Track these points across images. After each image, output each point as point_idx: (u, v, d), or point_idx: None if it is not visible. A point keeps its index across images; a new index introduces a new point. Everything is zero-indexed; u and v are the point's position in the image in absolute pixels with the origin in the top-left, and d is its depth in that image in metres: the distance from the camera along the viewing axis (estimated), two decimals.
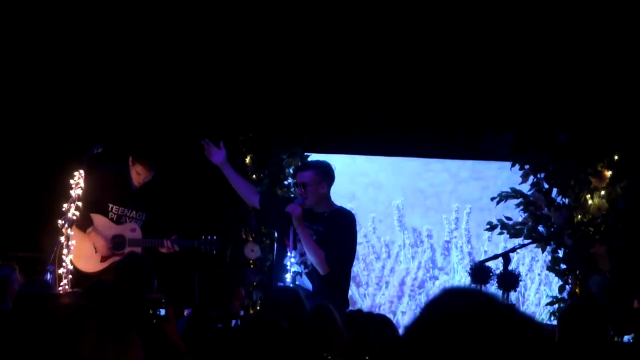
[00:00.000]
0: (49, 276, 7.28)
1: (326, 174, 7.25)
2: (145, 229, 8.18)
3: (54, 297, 5.79)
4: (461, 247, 9.99)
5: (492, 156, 9.60)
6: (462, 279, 9.92)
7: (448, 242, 10.01)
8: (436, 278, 9.97)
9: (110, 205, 8.17)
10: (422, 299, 9.89)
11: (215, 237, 8.12)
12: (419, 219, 10.06)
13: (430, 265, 9.97)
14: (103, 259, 8.09)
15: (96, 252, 8.10)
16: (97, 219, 8.09)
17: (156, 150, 8.37)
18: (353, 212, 7.46)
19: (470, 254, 9.97)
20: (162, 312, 4.97)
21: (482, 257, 9.67)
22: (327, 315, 5.30)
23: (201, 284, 6.50)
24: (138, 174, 8.16)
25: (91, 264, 8.07)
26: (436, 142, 9.85)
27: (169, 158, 9.28)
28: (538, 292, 9.80)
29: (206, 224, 8.62)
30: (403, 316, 9.76)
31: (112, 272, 6.82)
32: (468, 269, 9.72)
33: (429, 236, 10.01)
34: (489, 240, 9.89)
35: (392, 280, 9.93)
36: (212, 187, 9.22)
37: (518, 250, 9.40)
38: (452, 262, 10.00)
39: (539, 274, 9.80)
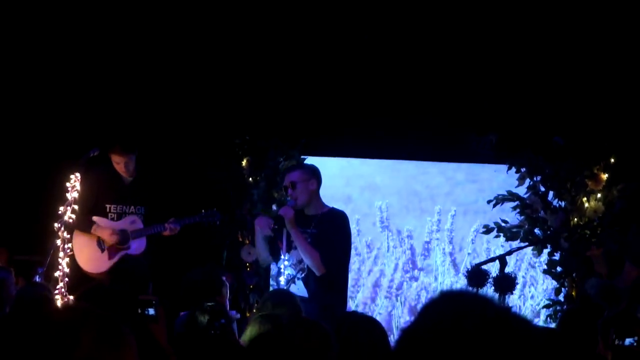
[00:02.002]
0: (37, 278, 7.29)
1: (313, 171, 7.25)
2: (149, 223, 8.18)
3: (50, 300, 5.79)
4: (443, 248, 10.00)
5: (486, 158, 9.63)
6: (444, 279, 9.95)
7: (428, 242, 10.01)
8: (416, 279, 9.98)
9: (108, 206, 8.21)
10: (400, 300, 9.92)
11: (215, 209, 8.07)
12: (413, 221, 10.05)
13: (410, 266, 9.98)
14: (110, 256, 8.10)
15: (102, 251, 8.11)
16: (99, 220, 8.12)
17: (126, 134, 8.39)
18: (348, 213, 7.44)
19: (451, 254, 9.98)
20: (151, 311, 4.96)
21: (464, 259, 9.76)
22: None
23: (185, 283, 6.49)
24: (117, 164, 8.18)
25: (99, 264, 8.10)
26: (432, 145, 9.84)
27: (163, 158, 9.29)
28: (523, 293, 9.81)
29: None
30: (379, 317, 9.76)
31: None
32: (449, 269, 9.83)
33: (409, 237, 10.00)
34: (472, 243, 9.92)
35: (366, 282, 9.94)
36: (209, 191, 9.23)
37: (500, 252, 9.51)
38: (436, 263, 10.00)
39: (523, 276, 9.80)
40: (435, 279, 9.99)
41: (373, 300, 9.90)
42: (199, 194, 9.10)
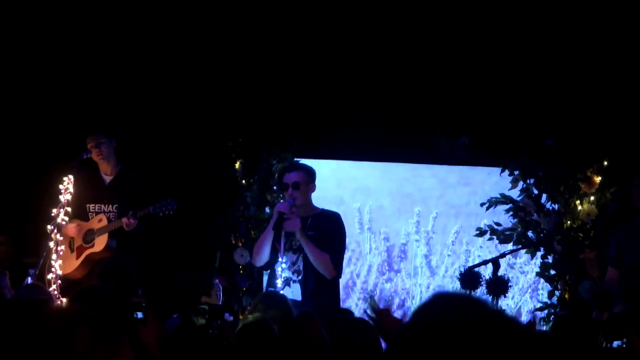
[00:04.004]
0: (29, 280, 7.27)
1: (313, 175, 7.28)
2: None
3: (47, 302, 5.78)
4: (422, 250, 10.01)
5: (480, 161, 9.65)
6: (423, 280, 9.96)
7: (405, 244, 10.01)
8: (390, 280, 9.99)
9: (88, 206, 8.20)
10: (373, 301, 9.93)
11: (170, 199, 7.97)
12: (404, 224, 10.06)
13: (387, 268, 9.98)
14: (78, 255, 8.09)
15: (72, 251, 8.09)
16: (70, 222, 8.09)
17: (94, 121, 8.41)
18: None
19: (426, 256, 9.98)
20: (139, 315, 4.98)
21: (444, 260, 9.79)
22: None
23: (175, 285, 6.50)
24: (92, 148, 8.13)
25: (69, 265, 8.07)
26: (424, 148, 9.86)
27: (160, 167, 9.28)
28: None
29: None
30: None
31: (96, 278, 6.81)
32: (424, 270, 9.85)
33: (386, 239, 10.00)
34: (453, 244, 9.94)
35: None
36: (202, 193, 9.21)
37: (479, 254, 9.55)
38: (413, 265, 10.01)
39: None
40: (416, 281, 10.02)
41: (344, 301, 9.90)
42: (191, 196, 9.09)
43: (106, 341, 2.07)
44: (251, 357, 4.87)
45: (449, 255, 9.94)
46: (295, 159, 9.32)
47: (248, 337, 4.91)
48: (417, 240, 10.01)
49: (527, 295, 9.85)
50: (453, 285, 9.77)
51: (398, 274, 10.00)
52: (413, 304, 9.91)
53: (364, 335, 4.81)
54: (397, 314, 9.82)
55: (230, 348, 5.11)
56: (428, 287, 9.92)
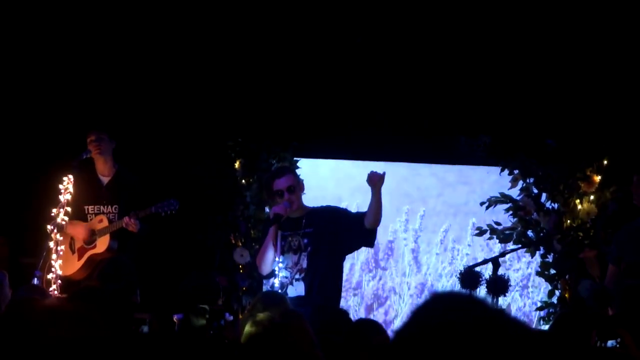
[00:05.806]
0: (36, 281, 7.27)
1: (298, 175, 7.32)
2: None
3: (34, 300, 5.79)
4: (412, 248, 10.00)
5: (478, 160, 9.65)
6: (410, 279, 9.99)
7: (391, 242, 10.02)
8: (373, 278, 10.00)
9: (86, 207, 8.18)
10: (358, 298, 9.97)
11: (172, 199, 7.92)
12: (398, 222, 10.07)
13: (374, 265, 9.99)
14: (79, 256, 8.08)
15: (73, 252, 8.09)
16: (71, 223, 8.08)
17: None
18: None
19: (415, 251, 9.98)
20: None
21: (433, 258, 9.79)
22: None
23: (184, 287, 6.49)
24: (90, 143, 8.11)
25: (70, 266, 8.06)
26: (424, 146, 9.86)
27: (159, 164, 9.27)
28: None
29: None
30: None
31: (96, 278, 6.81)
32: (412, 268, 9.87)
33: None
34: (441, 243, 9.96)
35: None
36: (201, 193, 9.21)
37: (468, 252, 9.56)
38: (401, 263, 10.02)
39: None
40: (404, 279, 10.03)
41: None
42: (191, 195, 9.09)
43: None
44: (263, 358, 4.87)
45: (437, 254, 9.95)
46: (295, 159, 9.34)
47: (261, 338, 4.92)
48: (405, 239, 10.01)
49: (517, 293, 9.88)
50: (441, 283, 9.81)
51: (385, 272, 10.00)
52: (398, 302, 9.93)
53: (375, 335, 4.81)
54: (380, 311, 9.86)
55: (231, 347, 5.11)
56: (410, 286, 9.93)
